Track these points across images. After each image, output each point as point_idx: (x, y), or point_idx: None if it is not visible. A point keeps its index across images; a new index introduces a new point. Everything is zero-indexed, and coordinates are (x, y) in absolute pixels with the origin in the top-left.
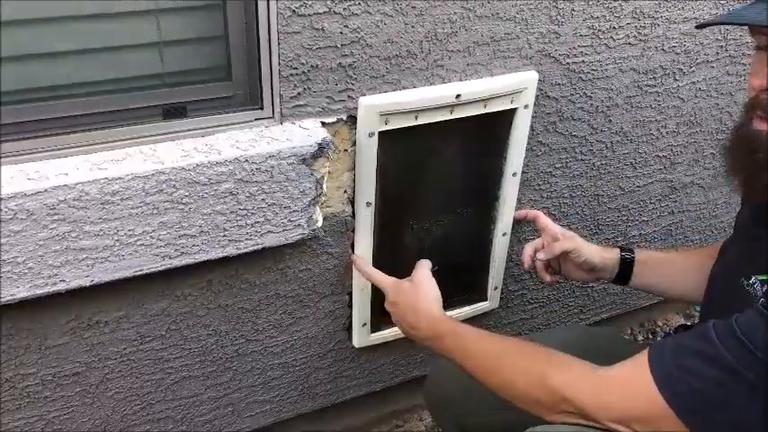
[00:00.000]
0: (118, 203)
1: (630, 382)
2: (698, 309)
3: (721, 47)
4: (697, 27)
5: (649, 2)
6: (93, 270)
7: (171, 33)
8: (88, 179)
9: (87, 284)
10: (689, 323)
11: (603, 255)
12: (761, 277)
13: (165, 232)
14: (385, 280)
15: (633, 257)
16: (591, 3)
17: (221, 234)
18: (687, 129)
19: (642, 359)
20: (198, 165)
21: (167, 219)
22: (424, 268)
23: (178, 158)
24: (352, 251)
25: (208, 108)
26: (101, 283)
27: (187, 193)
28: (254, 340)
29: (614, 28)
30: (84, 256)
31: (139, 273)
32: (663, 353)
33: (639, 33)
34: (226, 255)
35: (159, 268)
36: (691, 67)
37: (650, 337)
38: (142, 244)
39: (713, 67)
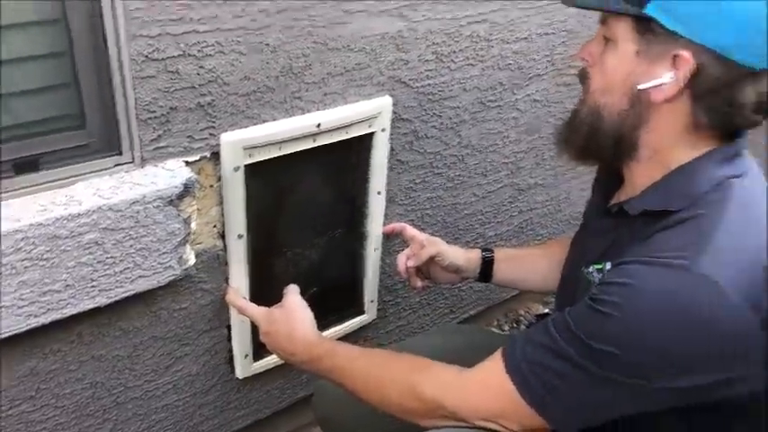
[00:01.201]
0: None
1: (489, 381)
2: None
3: (549, 62)
4: (563, 2)
5: (484, 25)
6: None
7: (15, 84)
8: None
9: None
10: (547, 310)
11: (466, 256)
12: (597, 266)
13: (27, 291)
14: (255, 311)
15: (492, 256)
16: (432, 30)
17: (89, 285)
18: (527, 136)
19: (497, 357)
20: (57, 218)
21: (28, 277)
22: (293, 293)
23: (35, 214)
24: (227, 284)
25: (63, 158)
26: None
27: (48, 249)
28: (133, 387)
29: (455, 51)
30: None
31: (3, 336)
32: (514, 349)
33: (478, 55)
34: (96, 305)
35: (24, 329)
36: (525, 82)
37: (515, 326)
38: (2, 306)
39: (544, 79)
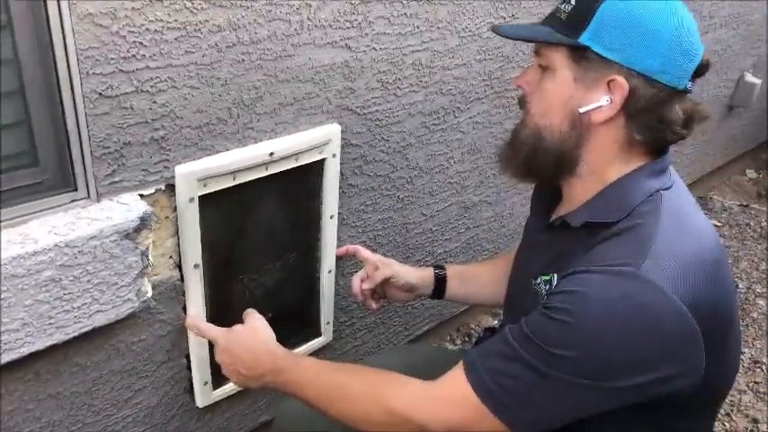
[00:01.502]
0: None
1: (454, 393)
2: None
3: (487, 85)
4: (502, 35)
5: (426, 54)
6: None
7: None
8: None
9: None
10: (496, 322)
11: (419, 275)
12: (544, 277)
13: None
14: (215, 330)
15: (444, 273)
16: (377, 60)
17: (47, 323)
18: (470, 156)
19: (458, 369)
20: (14, 257)
21: None
22: (255, 314)
23: None
24: (185, 314)
25: (17, 196)
26: None
27: (5, 288)
28: (92, 422)
29: (399, 79)
30: None
31: None
32: (474, 361)
33: (421, 81)
34: (54, 342)
35: None
36: (466, 105)
37: (467, 339)
38: None
39: (483, 102)
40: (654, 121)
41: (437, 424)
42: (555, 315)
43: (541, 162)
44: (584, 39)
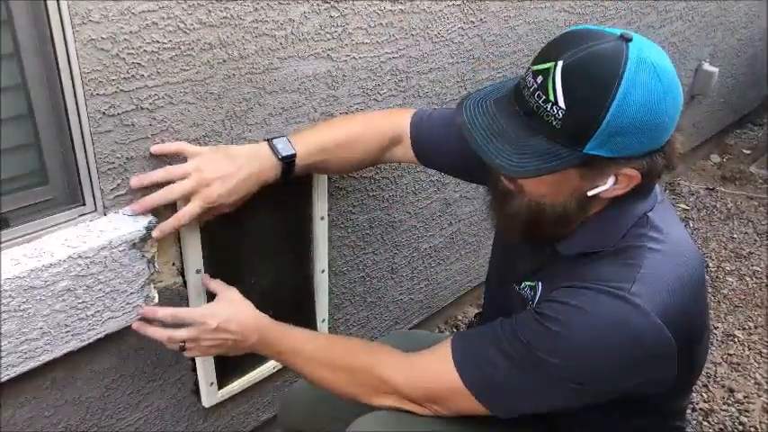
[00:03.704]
0: None
1: (435, 366)
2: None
3: (461, 87)
4: (504, 174)
5: (402, 60)
6: None
7: None
8: None
9: None
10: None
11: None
12: (529, 283)
13: (6, 342)
14: (192, 310)
15: (293, 156)
16: (357, 68)
17: (64, 331)
18: None
19: (446, 346)
20: (32, 270)
21: (6, 329)
22: (225, 288)
23: (10, 268)
24: None
25: (30, 213)
26: None
27: (24, 300)
28: (106, 426)
29: (378, 85)
30: None
31: None
32: (463, 342)
33: (399, 86)
34: (70, 349)
35: (3, 379)
36: (443, 106)
37: (455, 330)
38: None
39: None
40: (649, 175)
41: (417, 392)
42: (546, 323)
43: (541, 226)
44: (589, 149)
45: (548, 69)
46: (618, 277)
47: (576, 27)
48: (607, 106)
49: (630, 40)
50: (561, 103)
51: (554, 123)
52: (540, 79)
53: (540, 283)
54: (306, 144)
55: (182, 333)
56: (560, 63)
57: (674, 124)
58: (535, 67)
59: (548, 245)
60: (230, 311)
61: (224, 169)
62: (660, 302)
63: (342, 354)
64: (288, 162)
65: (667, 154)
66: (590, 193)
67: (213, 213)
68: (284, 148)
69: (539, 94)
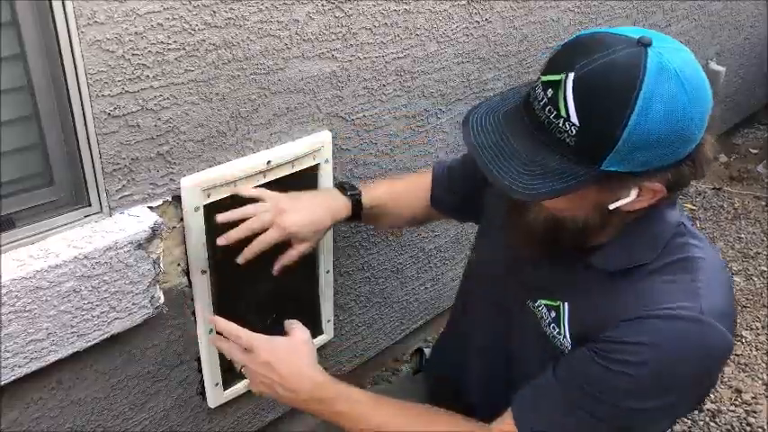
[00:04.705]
0: None
1: None
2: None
3: (466, 87)
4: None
5: (407, 60)
6: None
7: None
8: None
9: None
10: None
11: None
12: (546, 302)
13: (11, 343)
14: (253, 335)
15: (358, 195)
16: (362, 68)
17: (69, 331)
18: (454, 155)
19: (508, 417)
20: (38, 271)
21: (12, 329)
22: (300, 327)
23: (15, 269)
24: (194, 318)
25: (36, 214)
26: None
27: (30, 300)
28: (111, 426)
29: (383, 85)
30: None
31: None
32: (523, 407)
33: (403, 86)
34: (76, 350)
35: (9, 380)
36: (448, 106)
37: None
38: None
39: (465, 103)
40: (676, 185)
41: None
42: (625, 369)
43: (561, 240)
44: (606, 166)
45: (558, 82)
46: (681, 297)
47: (589, 31)
48: (624, 122)
49: (649, 44)
50: (574, 119)
51: (567, 140)
52: (550, 92)
53: (565, 305)
54: (368, 191)
55: (238, 355)
56: (571, 75)
57: (701, 132)
58: (545, 78)
59: (578, 259)
60: (291, 350)
61: (300, 204)
62: (719, 313)
63: (419, 424)
64: (356, 199)
65: (696, 161)
66: (611, 207)
67: (296, 244)
68: (351, 188)
69: (549, 109)
